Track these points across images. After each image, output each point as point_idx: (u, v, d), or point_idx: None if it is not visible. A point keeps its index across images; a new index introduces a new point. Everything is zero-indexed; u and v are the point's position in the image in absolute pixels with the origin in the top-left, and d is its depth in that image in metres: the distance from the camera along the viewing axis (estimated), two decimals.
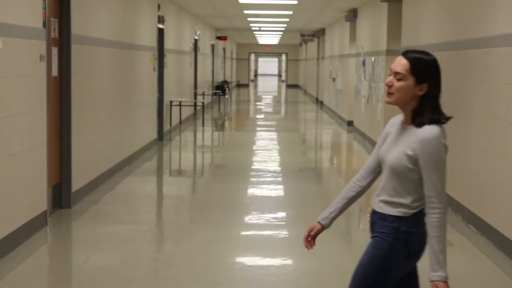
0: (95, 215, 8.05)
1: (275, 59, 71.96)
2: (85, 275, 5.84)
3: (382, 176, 3.40)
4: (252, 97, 37.69)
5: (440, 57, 10.08)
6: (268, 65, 77.62)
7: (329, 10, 18.85)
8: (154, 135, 14.28)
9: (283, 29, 29.34)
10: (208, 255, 6.37)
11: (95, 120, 9.37)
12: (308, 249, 3.48)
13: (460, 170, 8.20)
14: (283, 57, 61.13)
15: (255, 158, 13.12)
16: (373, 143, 14.54)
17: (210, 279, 5.71)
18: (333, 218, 3.47)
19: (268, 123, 21.22)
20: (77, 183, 8.42)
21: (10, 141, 6.38)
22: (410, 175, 3.30)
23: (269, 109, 28.02)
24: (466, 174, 7.95)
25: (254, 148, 14.82)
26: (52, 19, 7.77)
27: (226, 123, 21.12)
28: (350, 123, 18.89)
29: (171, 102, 16.31)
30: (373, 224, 3.44)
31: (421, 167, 3.30)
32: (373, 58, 14.67)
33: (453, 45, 8.65)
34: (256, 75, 70.00)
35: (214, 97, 27.09)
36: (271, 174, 11.11)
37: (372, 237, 3.38)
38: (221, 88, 26.65)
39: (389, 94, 3.25)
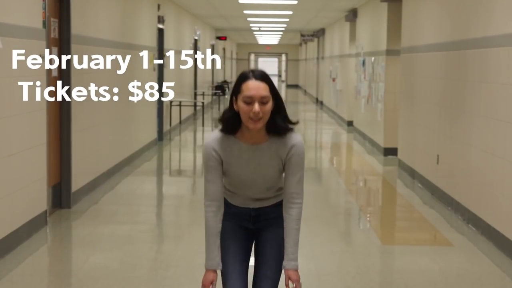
0: (95, 215, 8.05)
1: (275, 59, 71.95)
2: (85, 275, 5.84)
3: (242, 189, 3.47)
4: None
5: (440, 57, 10.06)
6: (268, 65, 77.60)
7: (329, 10, 18.85)
8: (154, 135, 14.28)
9: (283, 29, 29.34)
10: None
11: (95, 120, 9.37)
12: None
13: (460, 170, 8.20)
14: (283, 57, 61.13)
15: None
16: (373, 143, 14.54)
17: None
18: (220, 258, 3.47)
19: None
20: (77, 183, 8.43)
21: (10, 141, 6.38)
22: (279, 176, 3.49)
23: None
24: (466, 174, 7.96)
25: None
26: (52, 19, 7.77)
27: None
28: (350, 123, 18.90)
29: (171, 102, 16.31)
30: (259, 216, 3.53)
31: (288, 167, 3.39)
32: (373, 58, 14.67)
33: (453, 45, 8.65)
34: None
35: (214, 97, 27.09)
36: None
37: (269, 228, 3.53)
38: (221, 88, 26.66)
39: (257, 120, 3.23)
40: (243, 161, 3.36)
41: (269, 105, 3.23)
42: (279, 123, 3.30)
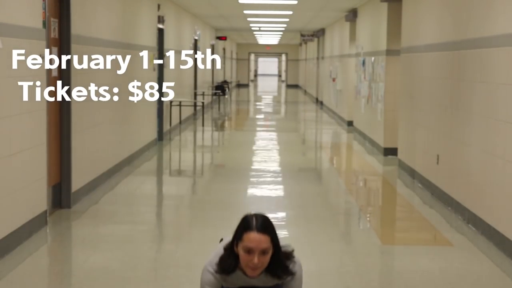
0: (95, 215, 8.05)
1: (275, 59, 71.95)
2: (85, 275, 5.84)
3: None
4: (252, 97, 37.69)
5: (440, 57, 10.03)
6: (268, 65, 77.60)
7: (329, 10, 18.85)
8: (154, 135, 14.28)
9: (283, 29, 29.33)
10: (208, 255, 6.35)
11: (95, 120, 9.37)
12: None
13: (460, 170, 8.20)
14: (283, 57, 61.13)
15: (255, 158, 13.12)
16: (373, 143, 14.54)
17: None
18: None
19: (268, 123, 21.23)
20: (77, 183, 8.42)
21: (10, 141, 6.38)
22: None
23: (269, 109, 28.02)
24: (466, 174, 7.95)
25: (254, 148, 14.82)
26: (52, 19, 7.77)
27: (226, 123, 21.13)
28: (350, 123, 18.90)
29: (171, 102, 16.31)
30: None
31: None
32: (373, 58, 14.67)
33: (453, 45, 8.65)
34: (256, 75, 69.99)
35: (214, 97, 27.09)
36: (271, 174, 11.11)
37: None
38: (221, 88, 26.66)
39: (255, 269, 3.31)
40: None
41: (269, 255, 3.30)
42: (279, 268, 3.37)
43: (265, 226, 3.29)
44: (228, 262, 3.35)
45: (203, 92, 22.68)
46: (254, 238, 3.25)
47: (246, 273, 3.34)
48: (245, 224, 3.30)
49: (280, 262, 3.35)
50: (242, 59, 52.17)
